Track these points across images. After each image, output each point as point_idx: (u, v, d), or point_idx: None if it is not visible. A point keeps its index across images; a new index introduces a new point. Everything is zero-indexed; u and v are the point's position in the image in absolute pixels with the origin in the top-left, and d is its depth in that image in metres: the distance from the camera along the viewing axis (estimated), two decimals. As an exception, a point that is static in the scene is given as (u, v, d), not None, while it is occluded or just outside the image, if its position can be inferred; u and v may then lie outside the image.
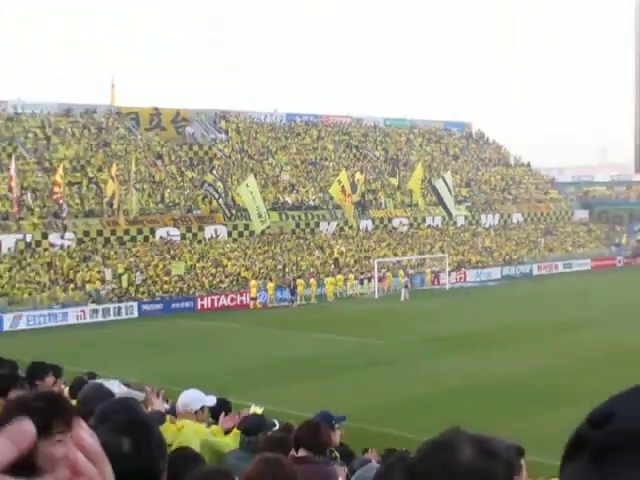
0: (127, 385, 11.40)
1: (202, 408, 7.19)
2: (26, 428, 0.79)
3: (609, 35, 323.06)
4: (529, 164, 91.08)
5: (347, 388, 25.74)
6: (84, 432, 0.89)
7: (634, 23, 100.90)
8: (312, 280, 53.40)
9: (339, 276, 55.36)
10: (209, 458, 6.41)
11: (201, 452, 6.30)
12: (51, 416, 2.68)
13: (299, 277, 53.76)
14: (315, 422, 6.61)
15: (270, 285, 52.15)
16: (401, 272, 57.28)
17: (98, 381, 7.23)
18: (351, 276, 55.69)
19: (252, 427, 6.93)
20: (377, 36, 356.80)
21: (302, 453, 6.18)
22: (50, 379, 7.83)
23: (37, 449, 0.82)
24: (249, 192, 52.37)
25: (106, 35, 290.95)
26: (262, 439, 6.47)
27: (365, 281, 55.70)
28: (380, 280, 55.87)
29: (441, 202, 61.52)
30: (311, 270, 56.28)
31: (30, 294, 47.04)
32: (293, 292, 52.29)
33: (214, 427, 7.88)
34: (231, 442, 7.19)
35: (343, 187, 55.85)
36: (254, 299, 50.74)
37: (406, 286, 53.25)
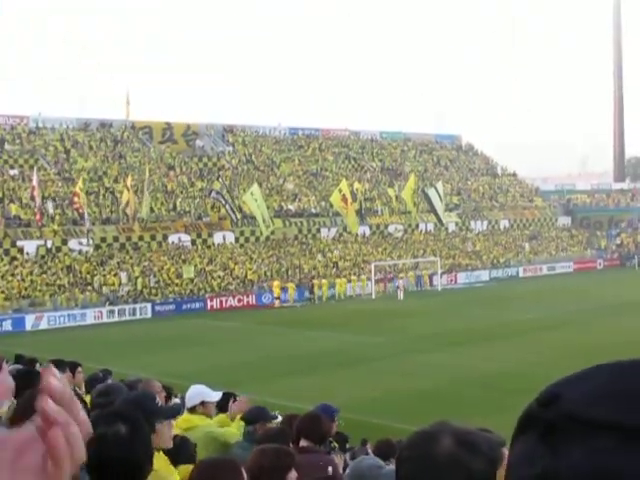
0: (110, 373, 11.34)
1: (203, 403, 7.07)
2: (5, 379, 0.80)
3: (589, 47, 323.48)
4: (515, 174, 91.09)
5: (347, 382, 25.67)
6: (53, 378, 0.86)
7: (612, 36, 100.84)
8: (324, 281, 54.00)
9: (353, 277, 56.04)
10: (214, 449, 6.34)
11: (206, 444, 6.23)
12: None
13: (314, 278, 54.58)
14: (315, 414, 6.57)
15: (291, 286, 52.66)
16: (411, 274, 58.33)
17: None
18: (363, 277, 55.87)
19: (252, 417, 6.86)
20: (373, 55, 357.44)
21: (303, 443, 6.15)
22: (67, 375, 7.80)
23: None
24: (254, 200, 52.48)
25: (122, 50, 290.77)
26: (262, 431, 6.41)
27: (377, 282, 56.21)
28: (390, 281, 56.55)
29: (433, 210, 61.57)
30: (312, 273, 56.27)
31: (51, 296, 47.03)
32: (312, 292, 53.18)
33: (221, 415, 7.80)
34: (235, 430, 7.10)
35: (344, 195, 55.79)
36: (277, 298, 51.09)
37: (403, 287, 53.49)
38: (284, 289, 52.01)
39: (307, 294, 53.32)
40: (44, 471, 0.84)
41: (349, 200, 56.07)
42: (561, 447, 0.78)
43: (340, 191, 56.20)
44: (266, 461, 4.49)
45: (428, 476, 1.68)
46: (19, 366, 9.38)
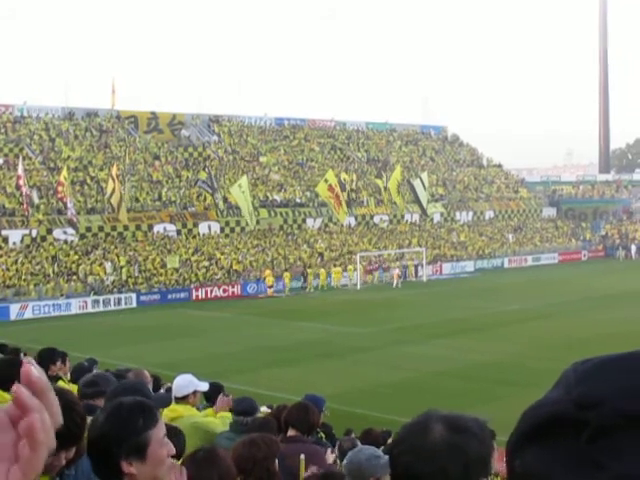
0: (95, 362, 11.36)
1: (195, 392, 7.11)
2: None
3: (575, 40, 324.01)
4: (500, 165, 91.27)
5: (332, 373, 25.79)
6: (31, 367, 0.89)
7: (598, 28, 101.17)
8: (322, 270, 54.40)
9: (350, 266, 56.25)
10: (200, 439, 6.40)
11: (191, 434, 6.30)
12: (64, 445, 2.76)
13: (309, 267, 54.98)
14: (305, 404, 6.65)
15: (287, 275, 52.76)
16: (412, 263, 59.24)
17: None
18: (360, 266, 56.08)
19: (241, 408, 6.93)
20: (360, 46, 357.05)
21: (291, 433, 6.24)
22: (58, 365, 7.87)
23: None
24: (241, 192, 52.43)
25: (108, 39, 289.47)
26: (250, 422, 6.48)
27: (369, 272, 56.84)
28: (386, 270, 57.21)
29: (417, 200, 61.76)
30: (297, 263, 56.31)
31: (35, 285, 46.89)
32: (305, 280, 53.58)
33: (208, 410, 7.87)
34: (220, 422, 7.16)
35: (330, 185, 55.76)
36: (271, 287, 51.22)
37: (398, 276, 54.72)
38: (278, 278, 52.08)
39: (302, 283, 53.43)
40: (16, 457, 0.85)
41: (336, 190, 56.02)
42: (626, 450, 0.73)
43: (326, 181, 56.18)
44: (258, 452, 4.58)
45: (426, 466, 1.67)
46: (2, 355, 9.44)
